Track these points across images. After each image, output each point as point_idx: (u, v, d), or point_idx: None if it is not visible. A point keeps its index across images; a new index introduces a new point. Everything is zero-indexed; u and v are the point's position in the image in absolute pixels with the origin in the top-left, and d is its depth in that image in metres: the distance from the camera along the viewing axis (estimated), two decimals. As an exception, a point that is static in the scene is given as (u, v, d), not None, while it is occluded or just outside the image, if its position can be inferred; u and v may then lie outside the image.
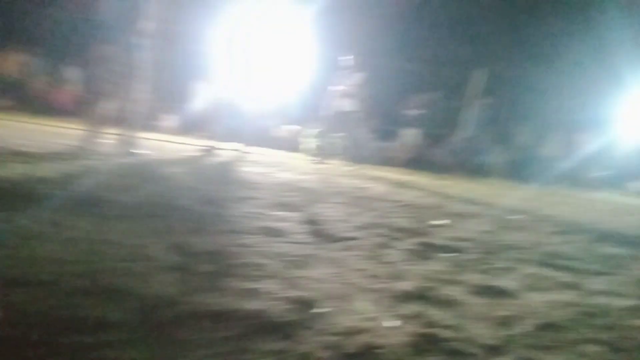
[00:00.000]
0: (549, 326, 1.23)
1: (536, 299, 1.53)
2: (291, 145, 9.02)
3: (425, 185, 6.17)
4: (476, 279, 1.67)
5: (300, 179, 4.44)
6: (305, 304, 1.21)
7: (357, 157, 7.44)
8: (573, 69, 12.41)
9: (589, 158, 11.13)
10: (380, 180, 5.84)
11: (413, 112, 10.67)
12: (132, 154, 4.28)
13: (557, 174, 10.67)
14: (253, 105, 8.04)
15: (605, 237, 3.28)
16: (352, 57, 7.01)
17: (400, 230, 2.45)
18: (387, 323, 1.12)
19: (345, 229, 2.31)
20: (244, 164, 5.19)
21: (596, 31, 12.38)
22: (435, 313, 1.23)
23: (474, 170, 10.15)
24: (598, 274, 2.08)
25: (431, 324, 1.15)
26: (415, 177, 7.15)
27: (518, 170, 10.89)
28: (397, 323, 1.12)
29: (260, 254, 1.68)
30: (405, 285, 1.43)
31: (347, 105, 6.97)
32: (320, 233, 2.13)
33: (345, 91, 6.93)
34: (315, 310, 1.17)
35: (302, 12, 8.12)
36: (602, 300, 1.59)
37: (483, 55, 11.33)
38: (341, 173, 6.18)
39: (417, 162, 9.45)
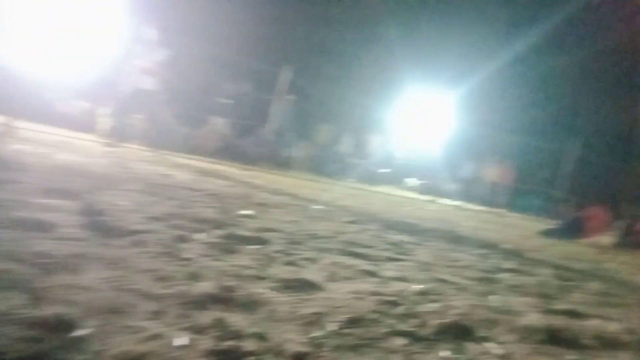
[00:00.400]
0: (355, 321, 1.17)
1: (341, 289, 1.49)
2: (83, 124, 7.74)
3: (232, 174, 6.01)
4: (282, 272, 1.55)
5: (86, 162, 3.76)
6: (62, 324, 0.87)
7: (159, 142, 6.81)
8: (366, 77, 13.96)
9: (375, 157, 12.68)
10: (184, 168, 5.43)
11: (223, 101, 10.42)
12: None
13: (351, 169, 11.84)
14: (34, 72, 6.63)
15: (391, 225, 3.64)
16: (155, 31, 6.33)
17: (203, 221, 2.20)
18: (177, 341, 0.88)
19: (136, 220, 1.95)
20: (10, 142, 4.15)
21: (389, 43, 14.13)
22: (237, 319, 1.04)
23: (280, 162, 10.46)
24: (390, 259, 2.21)
25: (233, 334, 0.96)
26: (222, 167, 6.92)
27: (319, 165, 11.70)
28: (187, 340, 0.88)
29: (8, 255, 1.23)
30: (204, 287, 1.20)
31: (147, 83, 6.25)
32: (101, 226, 1.72)
33: (145, 68, 6.20)
34: (76, 334, 0.85)
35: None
36: (398, 286, 1.65)
37: (292, 54, 11.77)
38: (139, 158, 5.54)
39: (224, 151, 9.22)
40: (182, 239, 1.75)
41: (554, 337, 1.34)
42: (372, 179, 12.28)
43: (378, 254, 2.29)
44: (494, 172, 15.27)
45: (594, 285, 2.63)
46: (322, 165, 11.61)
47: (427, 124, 13.61)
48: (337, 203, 4.88)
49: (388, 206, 6.03)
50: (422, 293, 1.65)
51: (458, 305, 1.53)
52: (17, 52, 5.71)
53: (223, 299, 1.14)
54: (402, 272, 1.97)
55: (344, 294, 1.42)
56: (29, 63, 6.23)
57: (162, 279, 1.24)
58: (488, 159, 15.20)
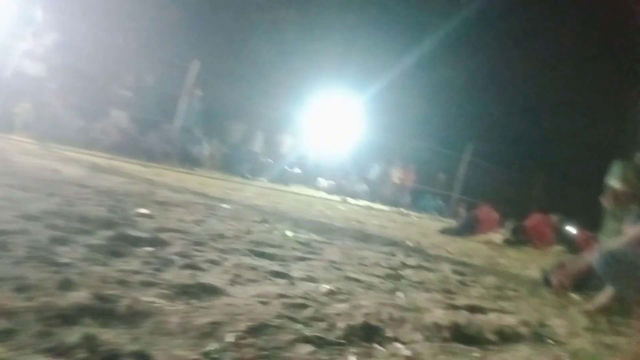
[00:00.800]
0: (258, 330, 1.06)
1: (245, 294, 1.37)
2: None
3: (132, 171, 5.56)
4: (178, 277, 1.39)
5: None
6: None
7: (48, 134, 6.11)
8: (278, 78, 13.87)
9: (287, 157, 12.64)
10: (75, 163, 4.90)
11: (124, 93, 9.67)
12: None
13: (263, 169, 11.67)
14: None
15: (301, 224, 3.58)
16: (42, 11, 5.66)
17: (90, 221, 1.94)
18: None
19: (5, 219, 1.65)
20: None
21: (300, 47, 14.18)
22: (114, 335, 0.87)
23: (188, 161, 9.97)
24: (299, 259, 2.13)
25: (105, 355, 0.79)
26: (121, 163, 6.38)
27: (229, 164, 11.36)
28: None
29: None
30: (76, 297, 1.01)
31: (33, 69, 5.57)
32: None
33: (31, 51, 5.52)
34: None
35: None
36: (307, 287, 1.56)
37: (202, 49, 11.29)
38: (21, 151, 4.91)
39: (126, 147, 8.55)
40: (59, 241, 1.50)
41: (458, 334, 1.34)
42: (284, 179, 12.22)
43: (287, 253, 2.19)
44: (398, 174, 16.04)
45: (490, 280, 2.78)
46: (232, 164, 11.30)
47: (337, 127, 13.88)
48: (246, 202, 4.71)
49: (299, 206, 5.98)
50: (331, 293, 1.58)
51: (366, 305, 1.48)
52: None
53: (99, 311, 0.96)
54: (311, 272, 1.90)
55: (247, 299, 1.30)
56: None
57: (23, 289, 1.03)
58: (393, 161, 15.92)
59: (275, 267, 1.85)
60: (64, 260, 1.29)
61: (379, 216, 7.85)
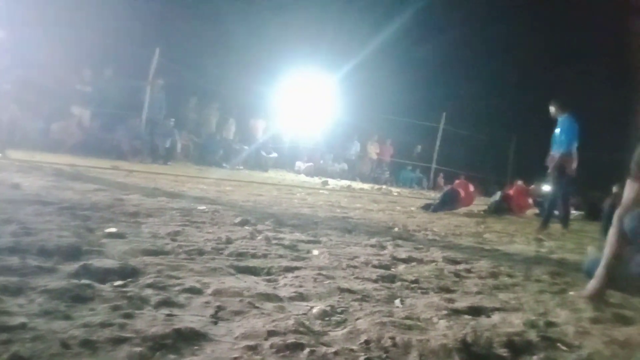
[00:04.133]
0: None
1: (231, 335, 1.22)
2: None
3: (99, 175, 5.28)
4: (152, 322, 1.22)
5: None
6: None
7: (6, 140, 5.75)
8: (248, 62, 13.44)
9: (263, 142, 12.38)
10: (37, 172, 4.61)
11: (84, 89, 9.21)
12: None
13: (238, 156, 11.41)
14: None
15: (283, 221, 3.42)
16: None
17: (51, 252, 1.75)
18: None
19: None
20: None
21: (271, 27, 13.73)
22: None
23: (159, 155, 9.65)
24: (287, 270, 1.98)
25: None
26: (87, 167, 6.07)
27: (203, 154, 11.06)
28: None
29: None
30: None
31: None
32: None
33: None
34: None
35: None
36: (298, 309, 1.42)
37: (163, 35, 10.81)
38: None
39: (91, 146, 8.19)
40: (11, 291, 1.32)
41: (469, 355, 1.23)
42: (261, 164, 12.00)
43: (273, 264, 2.05)
44: (376, 150, 15.98)
45: (484, 265, 2.70)
46: (206, 154, 11.02)
47: (311, 107, 13.65)
48: (224, 199, 4.53)
49: (279, 196, 5.82)
50: (325, 315, 1.45)
51: (365, 327, 1.36)
52: None
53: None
54: (301, 286, 1.76)
55: (233, 344, 1.15)
56: None
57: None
58: (370, 138, 15.83)
59: (261, 286, 1.70)
60: (16, 320, 1.11)
61: (361, 197, 7.76)
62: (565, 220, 6.07)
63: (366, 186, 11.83)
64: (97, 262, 1.69)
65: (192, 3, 12.89)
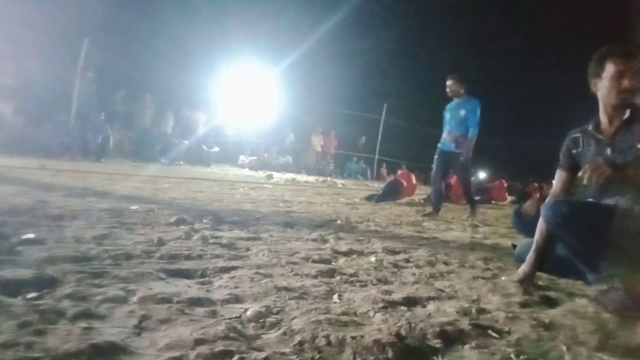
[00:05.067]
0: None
1: (155, 346, 1.14)
2: None
3: (23, 176, 4.88)
4: (69, 337, 1.12)
5: None
6: None
7: None
8: (187, 54, 12.95)
9: (204, 136, 12.03)
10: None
11: (5, 82, 8.48)
12: None
13: (178, 151, 11.01)
14: None
15: (223, 218, 3.33)
16: None
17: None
18: None
19: None
20: None
21: (207, 18, 13.28)
22: None
23: (91, 152, 9.12)
24: (223, 271, 1.91)
25: None
26: (9, 167, 5.60)
27: (140, 149, 10.57)
28: None
29: None
30: None
31: None
32: None
33: None
34: None
35: None
36: (230, 313, 1.35)
37: (90, 24, 10.17)
38: None
39: (15, 144, 7.58)
40: None
41: (402, 350, 1.23)
42: (203, 159, 11.67)
43: (207, 265, 1.96)
44: (320, 142, 16.04)
45: (421, 254, 2.76)
46: (142, 149, 10.53)
47: (254, 100, 13.43)
48: (160, 197, 4.33)
49: (221, 192, 5.67)
50: (259, 317, 1.40)
51: (300, 327, 1.32)
52: None
53: None
54: (236, 287, 1.69)
55: (157, 357, 1.07)
56: None
57: None
58: (314, 130, 15.85)
59: (194, 289, 1.62)
60: None
61: (306, 190, 7.75)
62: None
63: (311, 178, 11.84)
64: (8, 273, 1.53)
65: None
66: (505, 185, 11.57)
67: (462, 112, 5.38)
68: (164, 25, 12.24)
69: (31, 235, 2.10)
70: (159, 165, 9.53)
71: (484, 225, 4.97)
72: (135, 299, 1.45)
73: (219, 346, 1.13)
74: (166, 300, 1.47)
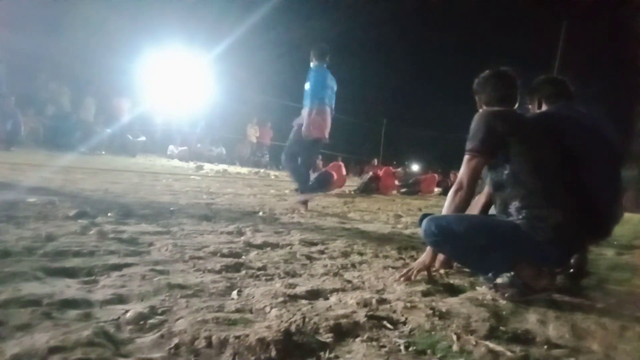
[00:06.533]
0: None
1: (5, 352, 0.99)
2: None
3: None
4: None
5: None
6: None
7: None
8: (110, 36, 12.12)
9: (128, 124, 11.37)
10: None
11: None
12: None
13: (99, 139, 10.33)
14: None
15: (132, 212, 3.11)
16: None
17: None
18: None
19: None
20: None
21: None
22: None
23: (2, 140, 8.31)
24: (113, 268, 1.75)
25: None
26: None
27: (56, 137, 9.80)
28: None
29: None
30: None
31: None
32: None
33: None
34: None
35: None
36: (106, 316, 1.22)
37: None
38: None
39: None
40: None
41: (288, 346, 1.17)
42: (127, 149, 11.05)
43: (97, 262, 1.80)
44: (255, 133, 15.76)
45: (338, 245, 2.74)
46: (60, 137, 9.76)
47: (185, 88, 12.89)
48: (67, 189, 4.00)
49: (140, 183, 5.36)
50: (140, 318, 1.28)
51: (182, 328, 1.22)
52: None
53: None
54: (123, 286, 1.55)
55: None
56: None
57: None
58: (250, 121, 15.54)
59: (72, 290, 1.46)
60: None
61: (235, 182, 7.56)
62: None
63: (244, 170, 11.61)
64: None
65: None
66: (437, 179, 12.12)
67: (306, 85, 4.76)
68: (84, 7, 11.37)
69: None
70: (77, 154, 8.87)
71: (407, 216, 5.09)
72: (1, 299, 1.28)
73: (77, 354, 1.00)
74: (33, 302, 1.30)
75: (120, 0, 12.39)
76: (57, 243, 2.03)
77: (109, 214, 2.86)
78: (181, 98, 13.22)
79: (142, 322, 1.27)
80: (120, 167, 7.45)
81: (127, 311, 1.32)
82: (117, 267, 1.78)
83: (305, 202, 4.73)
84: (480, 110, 2.12)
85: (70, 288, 1.49)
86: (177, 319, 1.30)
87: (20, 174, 4.83)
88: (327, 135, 4.90)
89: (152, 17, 12.19)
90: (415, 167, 23.22)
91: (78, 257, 1.87)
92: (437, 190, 11.76)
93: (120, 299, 1.44)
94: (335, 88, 4.91)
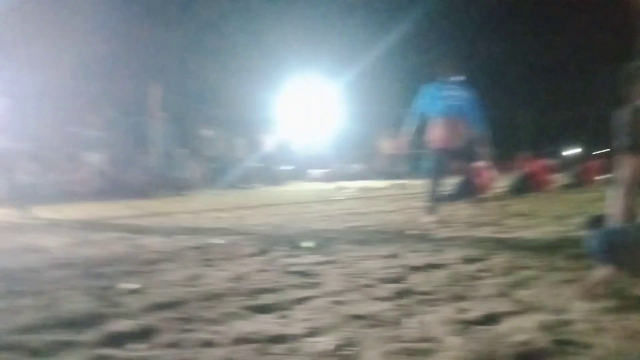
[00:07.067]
0: None
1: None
2: None
3: (115, 222, 5.38)
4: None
5: None
6: None
7: (23, 199, 5.94)
8: (249, 78, 13.55)
9: (274, 156, 12.48)
10: (57, 228, 4.73)
11: (93, 134, 9.45)
12: None
13: (252, 174, 11.54)
14: None
15: (298, 242, 3.46)
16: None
17: (77, 323, 1.81)
18: None
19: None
20: None
21: (269, 41, 13.79)
22: None
23: (175, 186, 9.83)
24: (300, 301, 2.01)
25: None
26: (105, 212, 6.22)
27: (218, 177, 11.22)
28: None
29: None
30: None
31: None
32: None
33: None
34: None
35: None
36: (310, 347, 1.45)
37: (155, 70, 11.02)
38: (9, 227, 4.76)
39: (108, 190, 8.41)
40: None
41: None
42: (276, 179, 12.11)
43: (284, 298, 2.08)
44: (387, 145, 15.89)
45: (500, 260, 2.68)
46: (221, 177, 11.15)
47: (317, 115, 13.70)
48: (239, 226, 4.59)
49: (294, 212, 5.87)
50: (338, 349, 1.47)
51: (376, 359, 1.37)
52: None
53: None
54: (313, 317, 1.78)
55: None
56: None
57: None
58: (383, 133, 15.75)
59: (274, 325, 1.74)
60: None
61: (378, 198, 7.76)
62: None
63: (384, 184, 11.82)
64: (112, 325, 1.74)
65: (185, 32, 13.08)
66: (598, 165, 10.41)
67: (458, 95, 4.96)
68: (229, 56, 12.88)
69: (130, 285, 2.35)
70: (236, 190, 10.05)
71: (573, 216, 4.66)
72: (223, 341, 1.59)
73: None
74: (251, 340, 1.59)
75: (260, 40, 13.69)
76: (248, 281, 2.39)
77: (280, 248, 3.24)
78: (317, 122, 14.03)
79: (341, 354, 1.45)
80: (273, 197, 8.23)
81: (323, 343, 1.53)
82: (302, 301, 2.03)
83: (443, 214, 4.78)
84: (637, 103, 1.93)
85: (271, 323, 1.77)
86: (368, 350, 1.46)
87: (197, 217, 5.68)
88: (453, 144, 4.86)
89: (287, 54, 13.21)
90: (568, 154, 20.87)
91: (268, 293, 2.18)
92: (600, 177, 10.41)
93: (315, 332, 1.66)
94: (463, 96, 4.84)
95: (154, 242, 3.70)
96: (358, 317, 1.79)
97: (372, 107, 15.91)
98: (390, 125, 16.08)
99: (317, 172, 13.54)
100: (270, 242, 3.49)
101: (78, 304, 2.07)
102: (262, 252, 3.11)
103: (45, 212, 5.92)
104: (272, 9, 13.78)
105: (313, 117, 13.79)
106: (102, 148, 9.15)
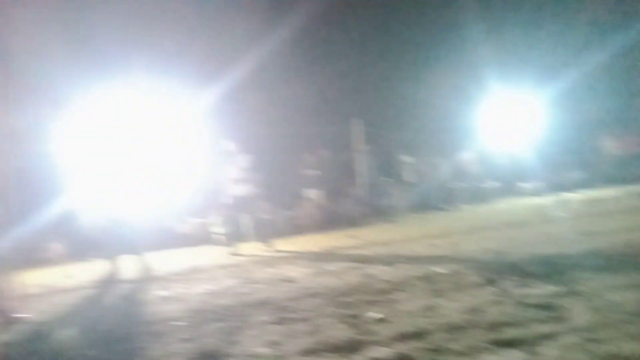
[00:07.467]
0: None
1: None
2: (198, 238, 8.48)
3: (342, 252, 5.92)
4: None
5: (216, 292, 3.97)
6: None
7: (266, 235, 7.13)
8: (447, 90, 13.49)
9: (477, 173, 12.03)
10: (297, 260, 5.49)
11: (310, 173, 10.75)
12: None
13: (458, 195, 11.35)
14: (147, 210, 7.44)
15: (528, 270, 3.32)
16: (232, 143, 6.98)
17: (336, 348, 2.17)
18: None
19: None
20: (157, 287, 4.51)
21: (472, 54, 13.59)
22: None
23: (382, 212, 10.35)
24: (545, 337, 1.97)
25: None
26: (330, 242, 6.92)
27: (423, 201, 11.38)
28: None
29: None
30: None
31: (243, 190, 6.83)
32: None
33: (237, 177, 6.81)
34: None
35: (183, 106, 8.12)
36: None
37: (355, 107, 11.95)
38: (260, 261, 5.79)
39: (326, 222, 9.41)
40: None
41: None
42: (483, 197, 11.61)
43: (527, 332, 2.07)
44: (615, 144, 13.64)
45: None
46: (426, 201, 11.27)
47: (519, 125, 12.71)
48: (459, 252, 4.61)
49: (512, 234, 5.53)
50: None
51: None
52: (124, 197, 6.37)
53: None
54: (567, 356, 1.75)
55: None
56: (139, 202, 6.88)
57: None
58: (607, 132, 13.65)
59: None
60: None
61: (611, 211, 6.75)
62: None
63: (613, 192, 10.15)
64: (374, 353, 2.02)
65: (382, 66, 13.81)
66: None
67: None
68: (427, 76, 13.09)
69: (375, 314, 2.66)
70: (441, 212, 10.03)
71: None
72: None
73: None
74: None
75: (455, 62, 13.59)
76: (485, 314, 2.43)
77: (507, 277, 3.16)
78: (517, 136, 13.02)
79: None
80: (485, 219, 7.92)
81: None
82: (549, 337, 1.99)
83: None
84: None
85: (522, 356, 1.79)
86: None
87: (413, 243, 5.87)
88: None
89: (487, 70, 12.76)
90: None
91: (508, 327, 2.19)
92: None
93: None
94: None
95: (381, 272, 4.03)
96: (616, 356, 1.68)
97: (584, 103, 13.96)
98: (612, 122, 13.82)
99: (528, 185, 12.49)
100: (494, 270, 3.44)
101: (337, 330, 2.46)
102: (490, 282, 3.10)
103: (283, 245, 6.96)
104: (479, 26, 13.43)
105: (517, 126, 12.83)
106: (318, 184, 10.34)
